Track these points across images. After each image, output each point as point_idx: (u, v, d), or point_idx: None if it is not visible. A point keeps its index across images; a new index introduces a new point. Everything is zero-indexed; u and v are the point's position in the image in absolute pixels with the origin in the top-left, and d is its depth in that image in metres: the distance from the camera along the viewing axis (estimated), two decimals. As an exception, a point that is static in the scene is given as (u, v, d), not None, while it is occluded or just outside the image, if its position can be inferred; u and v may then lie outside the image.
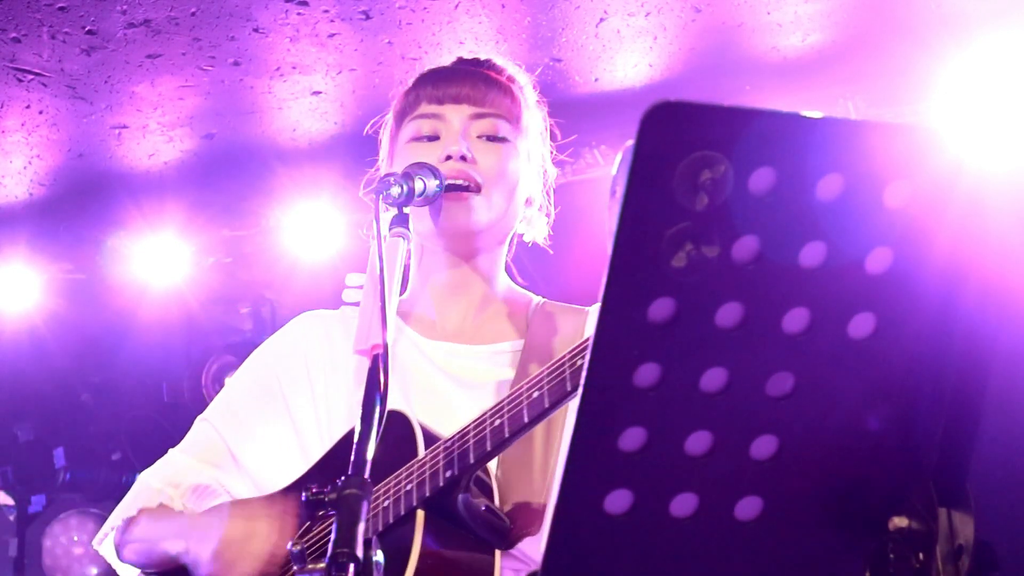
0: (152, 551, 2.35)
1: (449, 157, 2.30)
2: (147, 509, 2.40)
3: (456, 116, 2.37)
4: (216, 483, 2.42)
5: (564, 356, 1.95)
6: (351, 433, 2.18)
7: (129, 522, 2.40)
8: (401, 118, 2.44)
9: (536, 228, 2.51)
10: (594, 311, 2.40)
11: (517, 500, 2.12)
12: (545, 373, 1.97)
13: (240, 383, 2.52)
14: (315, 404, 2.40)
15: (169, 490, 2.42)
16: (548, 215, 2.53)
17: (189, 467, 2.45)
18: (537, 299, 2.49)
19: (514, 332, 2.41)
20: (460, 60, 2.52)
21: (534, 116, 2.48)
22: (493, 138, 2.37)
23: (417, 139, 2.38)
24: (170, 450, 2.52)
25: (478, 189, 2.31)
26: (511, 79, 2.47)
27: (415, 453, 2.08)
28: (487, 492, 2.10)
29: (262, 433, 2.42)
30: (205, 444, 2.46)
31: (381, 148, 2.54)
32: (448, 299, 2.42)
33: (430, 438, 2.11)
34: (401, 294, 2.43)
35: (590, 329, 2.35)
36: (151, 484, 2.45)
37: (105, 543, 2.47)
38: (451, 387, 2.32)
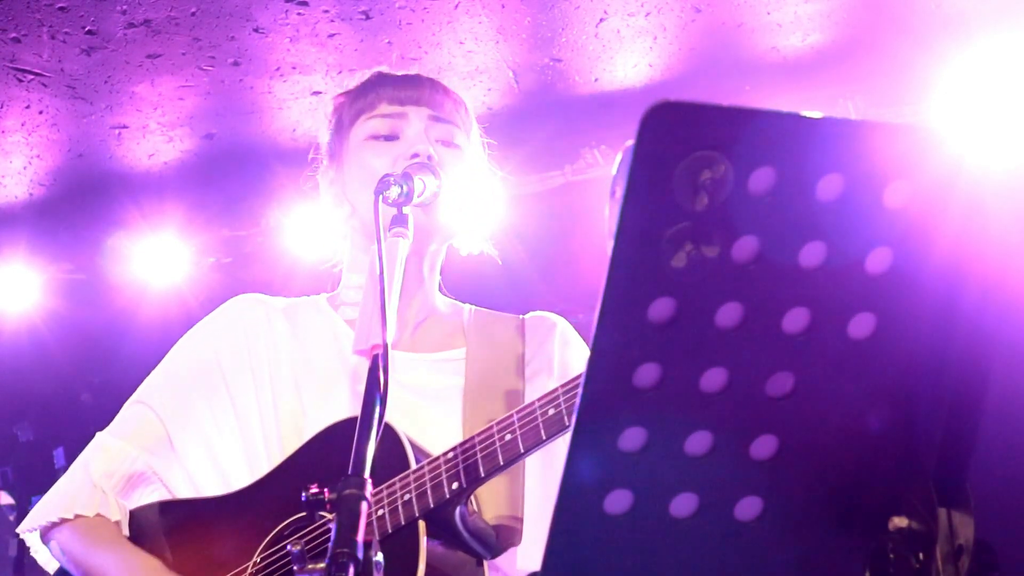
0: (78, 567, 2.32)
1: (415, 155, 2.31)
2: (83, 518, 2.34)
3: (417, 118, 2.38)
4: (150, 470, 2.37)
5: (582, 374, 1.96)
6: (321, 435, 2.19)
7: (62, 522, 2.35)
8: (356, 117, 2.43)
9: (474, 240, 2.52)
10: (530, 319, 2.43)
11: (496, 513, 2.12)
12: (562, 390, 1.98)
13: (177, 363, 2.44)
14: (257, 388, 2.36)
15: (104, 482, 2.35)
16: (486, 226, 2.54)
17: (124, 454, 2.38)
18: (468, 307, 2.51)
19: (454, 340, 2.41)
20: (383, 72, 2.50)
21: (475, 129, 2.50)
22: (449, 144, 2.39)
23: (375, 137, 2.39)
24: (99, 434, 2.44)
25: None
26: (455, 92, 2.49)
27: (406, 464, 2.07)
28: (472, 505, 2.10)
29: (203, 415, 2.37)
30: (141, 428, 2.40)
31: (322, 146, 2.52)
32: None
33: (418, 450, 2.10)
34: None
35: (530, 337, 2.39)
36: (89, 473, 2.38)
37: (34, 533, 2.41)
38: (402, 393, 2.29)
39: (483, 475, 2.01)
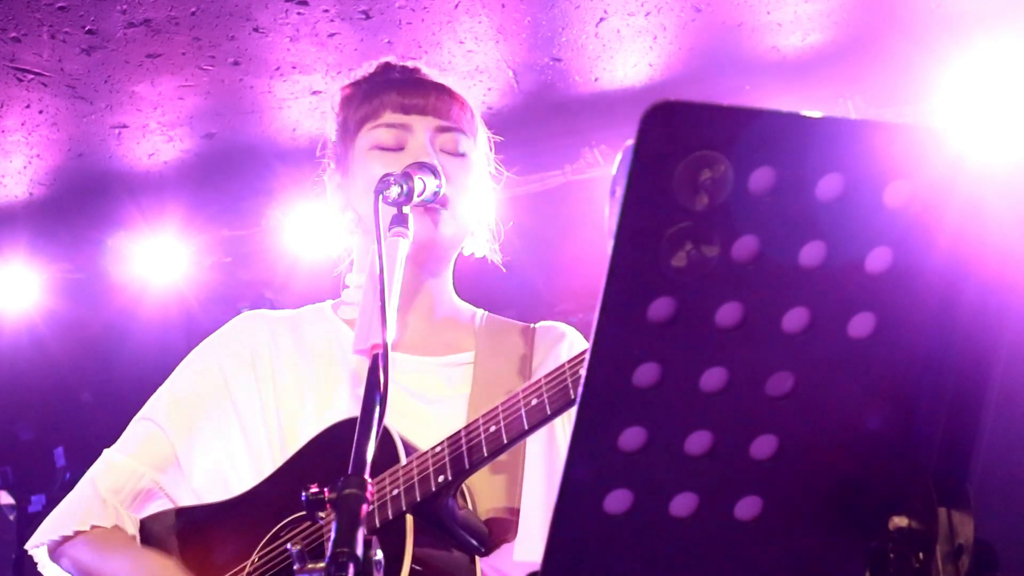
0: None
1: None
2: (100, 529, 2.34)
3: (422, 128, 2.38)
4: (157, 487, 2.37)
5: (564, 364, 1.96)
6: (315, 440, 2.19)
7: (78, 535, 2.35)
8: (361, 124, 2.42)
9: (479, 243, 2.51)
10: (540, 328, 2.43)
11: (491, 508, 2.12)
12: (544, 380, 1.97)
13: (184, 381, 2.45)
14: (263, 404, 2.36)
15: (112, 498, 2.36)
16: (492, 228, 2.54)
17: (131, 471, 2.38)
18: (480, 312, 2.51)
19: (463, 344, 2.41)
20: (388, 65, 2.50)
21: (482, 130, 2.50)
22: (455, 153, 2.39)
23: (380, 148, 2.38)
24: (106, 451, 2.44)
25: (445, 204, 2.32)
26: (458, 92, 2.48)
27: (396, 459, 2.07)
28: (463, 500, 2.10)
29: (210, 432, 2.37)
30: (148, 445, 2.40)
31: (329, 148, 2.52)
32: (401, 310, 2.41)
33: (408, 446, 2.10)
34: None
35: (539, 344, 2.39)
36: (98, 490, 2.38)
37: (41, 549, 2.39)
38: (406, 398, 2.30)
39: (468, 467, 2.00)
